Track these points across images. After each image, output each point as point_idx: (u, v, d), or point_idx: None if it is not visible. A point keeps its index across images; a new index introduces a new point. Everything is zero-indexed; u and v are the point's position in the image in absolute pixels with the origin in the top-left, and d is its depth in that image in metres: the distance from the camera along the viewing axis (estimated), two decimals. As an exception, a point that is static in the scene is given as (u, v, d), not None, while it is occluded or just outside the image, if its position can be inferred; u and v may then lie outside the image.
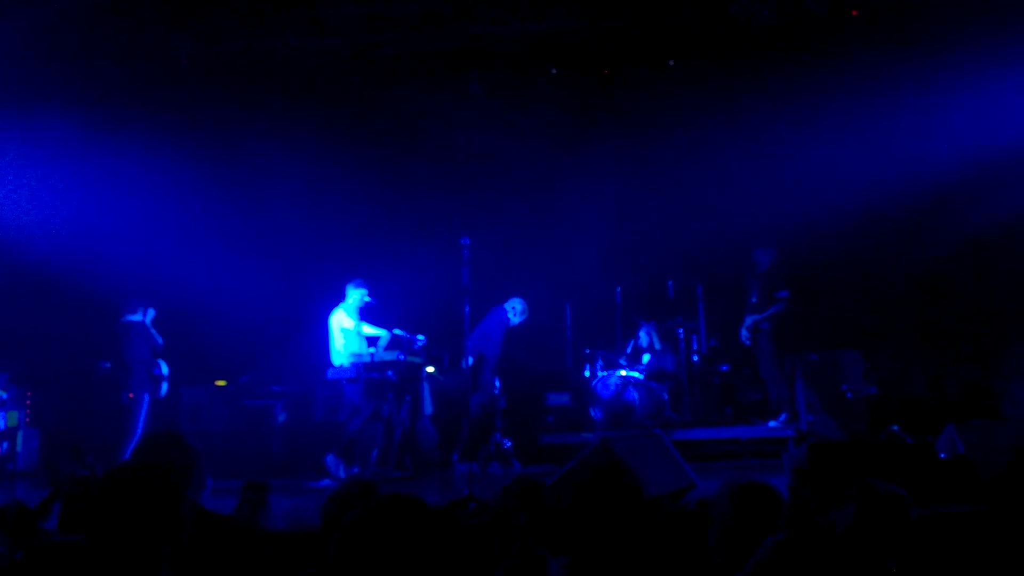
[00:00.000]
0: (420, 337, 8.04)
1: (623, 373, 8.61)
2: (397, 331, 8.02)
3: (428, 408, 8.15)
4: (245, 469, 7.01)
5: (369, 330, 8.04)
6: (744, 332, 8.38)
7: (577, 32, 8.83)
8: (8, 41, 7.53)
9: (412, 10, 8.64)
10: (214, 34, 8.69)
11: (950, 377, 9.16)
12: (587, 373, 9.12)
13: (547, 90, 9.78)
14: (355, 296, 7.96)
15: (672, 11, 8.59)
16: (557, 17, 8.63)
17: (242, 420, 8.61)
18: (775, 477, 5.36)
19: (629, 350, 9.20)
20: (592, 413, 8.59)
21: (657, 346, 9.25)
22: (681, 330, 9.30)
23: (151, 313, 7.92)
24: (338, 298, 8.05)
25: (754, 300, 8.35)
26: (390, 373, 7.75)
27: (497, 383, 8.31)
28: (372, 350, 7.88)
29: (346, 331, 7.85)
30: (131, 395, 7.59)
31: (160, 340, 7.88)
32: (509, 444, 8.10)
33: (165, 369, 7.88)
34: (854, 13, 8.49)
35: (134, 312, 7.81)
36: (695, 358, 9.32)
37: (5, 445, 8.51)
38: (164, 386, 7.88)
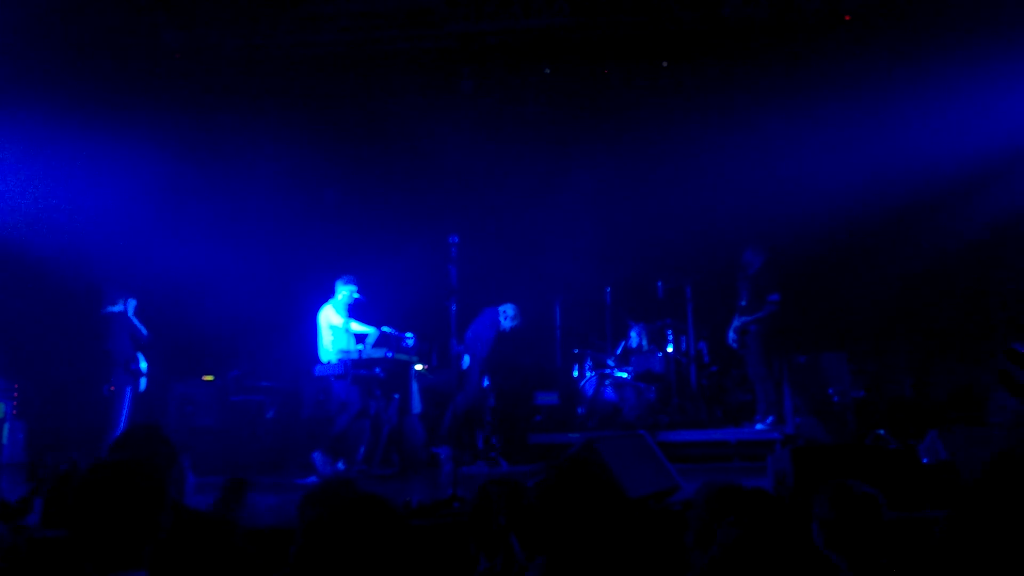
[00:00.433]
0: (409, 335, 8.04)
1: (611, 374, 8.63)
2: (386, 328, 8.01)
3: (417, 407, 8.15)
4: (232, 465, 7.08)
5: (358, 327, 8.03)
6: (731, 334, 8.39)
7: (568, 30, 8.84)
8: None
9: (403, 7, 8.64)
10: (206, 29, 8.68)
11: (938, 381, 9.20)
12: (576, 373, 9.14)
13: (538, 89, 9.80)
14: (344, 293, 7.96)
15: (664, 11, 8.61)
16: (549, 15, 8.64)
17: (230, 416, 8.58)
18: (760, 480, 5.41)
19: (619, 351, 9.21)
20: (580, 413, 8.60)
21: (645, 347, 9.27)
22: (670, 331, 9.31)
23: (132, 304, 7.85)
24: (327, 294, 8.05)
25: (744, 303, 8.33)
26: (378, 370, 7.75)
27: (486, 381, 8.32)
28: (360, 347, 7.87)
29: (335, 328, 7.85)
30: (112, 388, 7.55)
31: (144, 331, 7.81)
32: (496, 441, 8.12)
33: (143, 364, 7.81)
34: (847, 18, 8.53)
35: (115, 303, 7.74)
36: (683, 359, 9.34)
37: (-9, 437, 8.48)
38: (143, 381, 7.82)
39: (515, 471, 7.47)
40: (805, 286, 9.05)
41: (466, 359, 8.29)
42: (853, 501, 2.78)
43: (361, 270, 8.26)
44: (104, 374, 7.66)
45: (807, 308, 8.99)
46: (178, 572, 2.55)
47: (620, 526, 2.46)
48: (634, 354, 9.14)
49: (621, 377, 8.60)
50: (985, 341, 8.87)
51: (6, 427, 8.61)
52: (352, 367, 7.62)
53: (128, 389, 7.61)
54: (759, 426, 8.14)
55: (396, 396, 7.97)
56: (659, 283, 9.39)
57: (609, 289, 9.45)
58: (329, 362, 7.78)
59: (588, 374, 8.79)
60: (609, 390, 8.58)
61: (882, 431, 6.67)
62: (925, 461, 5.27)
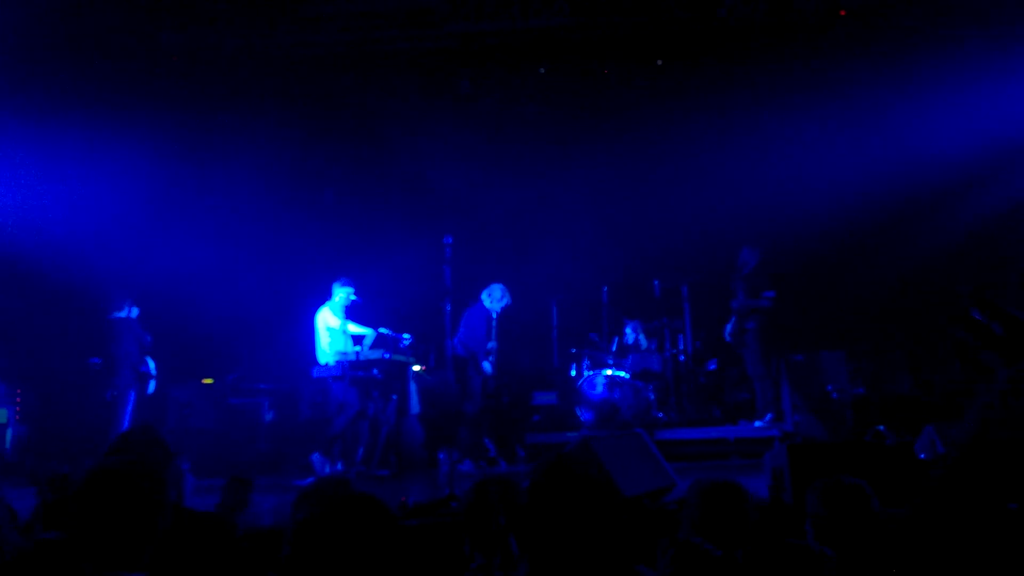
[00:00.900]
0: (406, 336, 8.04)
1: (609, 372, 8.64)
2: (383, 330, 8.02)
3: (415, 407, 8.16)
4: (232, 467, 7.09)
5: (355, 328, 8.04)
6: (728, 328, 8.41)
7: (568, 31, 8.86)
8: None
9: (402, 7, 8.66)
10: (204, 29, 8.69)
11: (937, 377, 9.19)
12: (573, 373, 9.15)
13: (537, 89, 9.80)
14: (341, 295, 7.96)
15: (663, 11, 8.63)
16: (549, 15, 8.65)
17: (229, 418, 8.63)
18: (757, 477, 5.42)
19: (615, 347, 9.22)
20: (578, 412, 8.61)
21: (643, 345, 9.28)
22: (667, 330, 9.32)
23: (135, 310, 7.92)
24: (324, 296, 8.06)
25: (737, 303, 8.37)
26: (376, 371, 7.75)
27: (487, 368, 8.23)
28: (358, 348, 7.88)
29: (332, 330, 7.86)
30: (114, 394, 7.59)
31: (148, 337, 7.89)
32: (490, 444, 8.14)
33: (152, 367, 7.89)
34: (842, 13, 8.54)
35: (120, 309, 7.82)
36: (681, 358, 9.35)
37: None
38: (152, 384, 7.89)
39: (514, 471, 7.49)
40: (804, 285, 9.06)
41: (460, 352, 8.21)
42: (841, 494, 2.80)
43: (358, 272, 8.27)
44: (108, 379, 7.69)
45: (805, 307, 9.01)
46: (178, 573, 2.57)
47: (608, 524, 2.46)
48: (631, 352, 9.16)
49: (619, 376, 8.60)
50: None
51: (8, 432, 8.64)
52: (350, 369, 7.63)
53: (132, 393, 7.66)
54: (758, 423, 8.15)
55: (394, 397, 7.98)
56: (656, 282, 9.39)
57: (606, 289, 9.46)
58: (327, 364, 7.79)
59: (586, 373, 8.79)
60: (607, 389, 8.59)
61: (882, 427, 6.68)
62: (922, 457, 5.28)
